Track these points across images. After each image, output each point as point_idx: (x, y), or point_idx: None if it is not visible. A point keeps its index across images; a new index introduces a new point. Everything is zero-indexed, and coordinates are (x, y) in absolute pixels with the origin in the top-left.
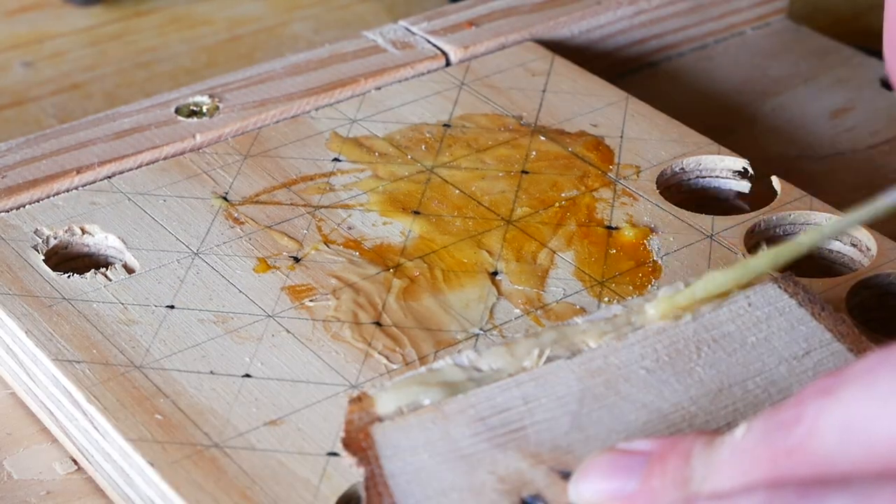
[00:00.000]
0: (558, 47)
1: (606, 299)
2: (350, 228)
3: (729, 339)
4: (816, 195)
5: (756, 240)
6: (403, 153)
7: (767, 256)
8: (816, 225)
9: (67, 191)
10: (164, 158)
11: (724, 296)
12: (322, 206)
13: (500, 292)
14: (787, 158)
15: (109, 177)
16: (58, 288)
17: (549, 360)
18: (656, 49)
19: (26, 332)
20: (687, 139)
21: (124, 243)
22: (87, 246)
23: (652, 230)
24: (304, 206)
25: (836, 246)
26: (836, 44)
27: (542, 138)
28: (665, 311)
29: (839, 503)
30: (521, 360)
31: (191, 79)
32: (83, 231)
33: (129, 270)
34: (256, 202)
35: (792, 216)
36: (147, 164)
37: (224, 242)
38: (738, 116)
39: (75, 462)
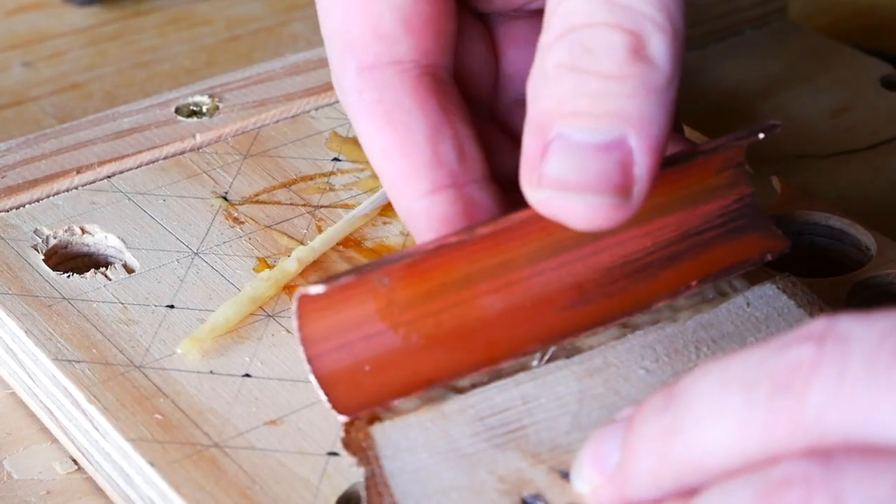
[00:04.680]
0: None
1: None
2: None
3: (728, 340)
4: (816, 195)
5: None
6: None
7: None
8: (815, 224)
9: (67, 191)
10: (164, 158)
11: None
12: (322, 206)
13: None
14: (787, 158)
15: (109, 176)
16: (57, 287)
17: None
18: None
19: (26, 332)
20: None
21: (124, 243)
22: (87, 245)
23: None
24: (304, 205)
25: (835, 246)
26: (836, 44)
27: None
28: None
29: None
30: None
31: (191, 79)
32: (83, 231)
33: (129, 270)
34: (256, 202)
35: (791, 216)
36: (147, 164)
37: (224, 242)
38: (738, 116)
39: (75, 462)
